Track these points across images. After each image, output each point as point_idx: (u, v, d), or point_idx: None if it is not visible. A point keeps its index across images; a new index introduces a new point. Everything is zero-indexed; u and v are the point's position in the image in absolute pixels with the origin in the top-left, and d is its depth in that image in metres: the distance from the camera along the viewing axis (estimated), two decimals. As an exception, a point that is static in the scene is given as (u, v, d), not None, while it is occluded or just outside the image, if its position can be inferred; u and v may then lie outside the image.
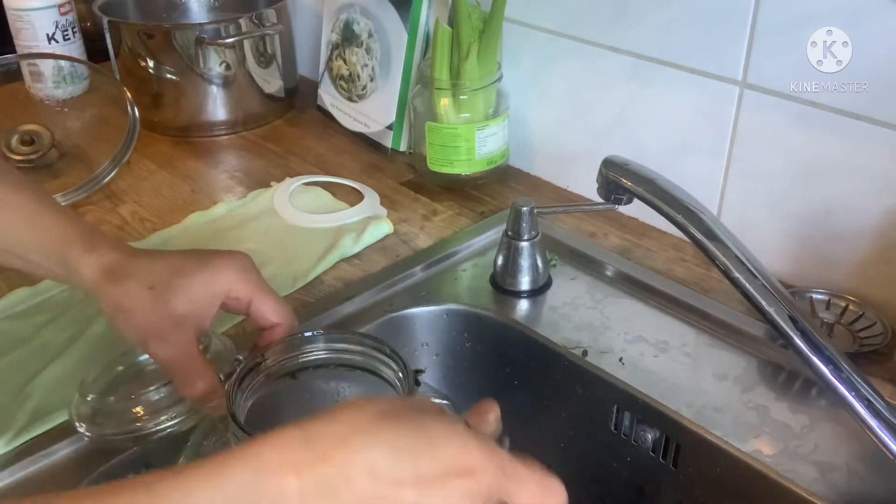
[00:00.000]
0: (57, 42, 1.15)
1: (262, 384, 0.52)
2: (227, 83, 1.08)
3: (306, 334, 0.54)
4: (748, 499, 0.58)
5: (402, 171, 0.98)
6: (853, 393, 0.51)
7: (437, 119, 0.90)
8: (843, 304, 0.70)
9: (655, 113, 0.81)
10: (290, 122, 1.15)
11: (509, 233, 0.75)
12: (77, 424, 0.55)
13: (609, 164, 0.62)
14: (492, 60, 0.89)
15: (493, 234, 0.83)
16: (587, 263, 0.79)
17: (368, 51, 1.01)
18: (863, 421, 0.51)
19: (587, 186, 0.75)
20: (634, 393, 0.64)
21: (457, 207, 0.90)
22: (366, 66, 1.02)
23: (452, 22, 0.88)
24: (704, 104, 0.77)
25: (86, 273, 0.52)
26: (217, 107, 1.09)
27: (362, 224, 0.85)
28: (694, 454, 0.62)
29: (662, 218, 0.58)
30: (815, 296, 0.71)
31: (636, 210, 0.83)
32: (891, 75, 0.63)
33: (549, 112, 0.93)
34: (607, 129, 0.86)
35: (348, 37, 1.04)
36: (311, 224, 0.87)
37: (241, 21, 1.05)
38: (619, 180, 0.61)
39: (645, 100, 0.82)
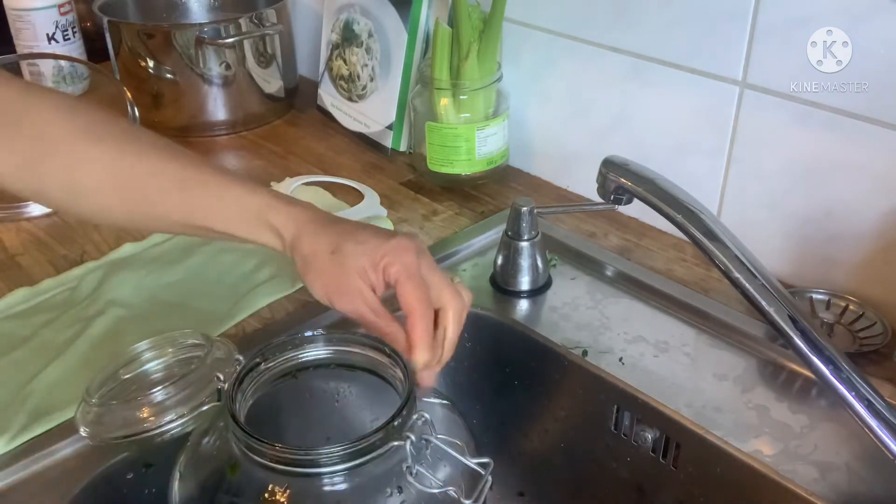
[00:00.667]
0: (57, 42, 1.15)
1: (262, 384, 0.52)
2: (227, 83, 1.08)
3: (306, 334, 0.54)
4: (748, 499, 0.58)
5: (402, 171, 0.98)
6: (853, 393, 0.51)
7: (437, 119, 0.90)
8: (843, 304, 0.70)
9: (655, 113, 0.81)
10: (290, 122, 1.15)
11: (509, 233, 0.75)
12: (81, 429, 0.55)
13: (609, 164, 0.62)
14: (492, 60, 0.89)
15: (493, 234, 0.83)
16: (587, 263, 0.79)
17: (368, 51, 1.01)
18: (863, 421, 0.51)
19: (587, 186, 0.75)
20: (634, 393, 0.64)
21: (457, 207, 0.90)
22: (366, 66, 1.02)
23: (452, 22, 0.88)
24: (704, 104, 0.77)
25: (286, 234, 0.57)
26: (217, 107, 1.09)
27: (362, 224, 0.85)
28: (694, 454, 0.62)
29: (662, 218, 0.57)
30: (815, 296, 0.71)
31: (636, 210, 0.83)
32: (891, 75, 0.63)
33: (549, 112, 0.93)
34: (607, 129, 0.86)
35: (348, 37, 1.04)
36: (311, 224, 0.87)
37: (241, 21, 1.05)
38: (619, 180, 0.61)
39: (645, 100, 0.82)
